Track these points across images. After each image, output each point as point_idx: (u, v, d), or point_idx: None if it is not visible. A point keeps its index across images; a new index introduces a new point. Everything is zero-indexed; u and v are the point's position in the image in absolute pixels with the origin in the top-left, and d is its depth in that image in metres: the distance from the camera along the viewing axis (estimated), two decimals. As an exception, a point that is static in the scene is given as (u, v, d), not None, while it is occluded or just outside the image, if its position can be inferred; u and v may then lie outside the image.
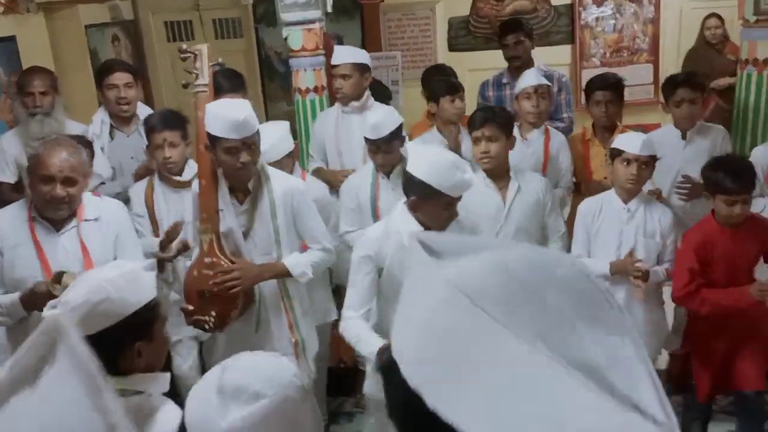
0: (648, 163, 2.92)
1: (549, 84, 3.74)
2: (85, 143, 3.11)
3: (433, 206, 2.39)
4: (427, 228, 2.39)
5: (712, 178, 2.76)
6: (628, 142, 2.93)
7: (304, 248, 2.83)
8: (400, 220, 2.45)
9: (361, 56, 3.70)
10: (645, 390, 0.56)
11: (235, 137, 2.48)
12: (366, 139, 3.12)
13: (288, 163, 3.20)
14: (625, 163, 2.90)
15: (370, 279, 2.50)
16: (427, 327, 0.61)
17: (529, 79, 3.63)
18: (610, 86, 3.61)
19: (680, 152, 3.45)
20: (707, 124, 3.59)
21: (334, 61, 3.66)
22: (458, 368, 0.58)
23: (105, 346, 1.43)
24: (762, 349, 2.87)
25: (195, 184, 2.72)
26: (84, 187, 2.57)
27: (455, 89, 3.66)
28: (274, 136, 3.05)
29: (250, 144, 2.52)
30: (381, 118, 3.09)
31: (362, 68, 3.65)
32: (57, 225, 2.55)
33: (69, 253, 2.53)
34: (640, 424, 0.54)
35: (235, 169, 2.54)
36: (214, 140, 2.51)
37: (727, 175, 2.70)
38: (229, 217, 2.64)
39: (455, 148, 3.48)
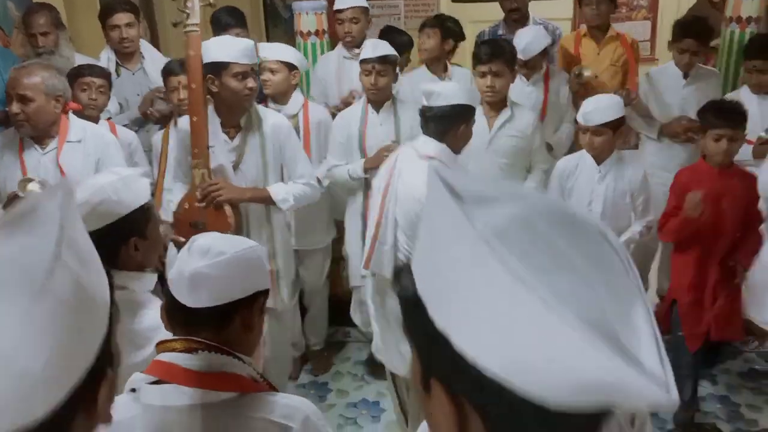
0: (600, 132, 2.98)
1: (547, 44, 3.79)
2: (103, 72, 3.30)
3: (468, 127, 2.70)
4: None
5: (703, 117, 3.00)
6: (581, 112, 3.04)
7: None
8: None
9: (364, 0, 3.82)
10: (647, 348, 0.58)
11: (246, 62, 2.65)
12: (361, 63, 3.24)
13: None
14: (582, 132, 3.06)
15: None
16: (445, 266, 0.63)
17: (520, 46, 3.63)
18: None
19: (680, 91, 3.74)
20: (705, 67, 3.85)
21: (339, 5, 3.76)
22: (466, 301, 0.61)
23: (103, 241, 1.66)
24: (727, 311, 3.06)
25: (183, 121, 2.84)
26: (50, 107, 2.72)
27: (422, 26, 3.84)
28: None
29: (255, 71, 2.71)
30: (377, 41, 3.29)
31: (366, 11, 3.81)
32: (41, 144, 2.77)
33: (48, 171, 2.75)
34: (637, 377, 0.55)
35: (242, 96, 2.69)
36: (220, 68, 2.64)
37: (715, 111, 2.94)
38: (220, 153, 2.79)
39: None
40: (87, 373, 0.71)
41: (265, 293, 1.46)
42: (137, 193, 1.78)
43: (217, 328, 1.36)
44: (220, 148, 2.78)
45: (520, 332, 0.57)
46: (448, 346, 0.61)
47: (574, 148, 3.64)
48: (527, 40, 3.57)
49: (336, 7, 3.79)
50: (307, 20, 4.04)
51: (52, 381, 0.67)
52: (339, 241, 3.68)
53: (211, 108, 2.78)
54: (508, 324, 0.58)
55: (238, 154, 2.82)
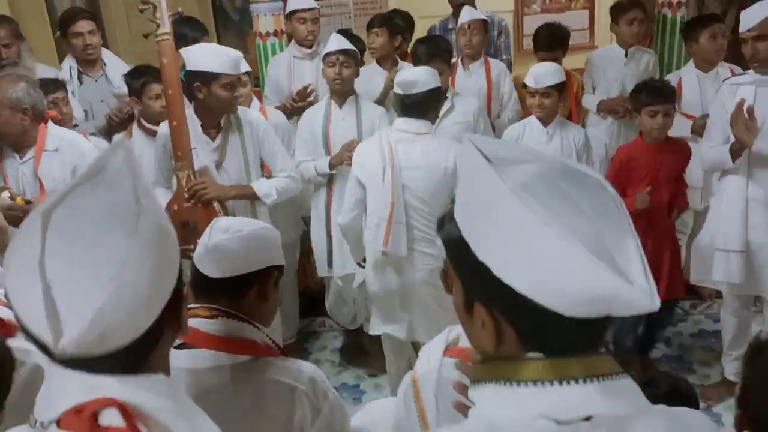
0: (548, 94, 3.29)
1: (484, 18, 4.07)
2: (59, 84, 3.34)
3: (440, 103, 3.09)
4: None
5: (638, 97, 3.22)
6: (529, 76, 3.33)
7: None
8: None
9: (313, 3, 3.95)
10: (636, 269, 0.77)
11: (234, 72, 2.80)
12: (325, 57, 3.39)
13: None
14: (530, 95, 3.34)
15: None
16: (483, 214, 0.81)
17: (463, 16, 4.01)
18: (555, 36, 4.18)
19: (622, 68, 4.11)
20: (642, 48, 4.21)
21: (299, 5, 3.88)
22: (502, 238, 0.79)
23: None
24: (668, 274, 3.31)
25: (163, 126, 2.93)
26: (16, 120, 2.77)
27: (371, 25, 4.01)
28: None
29: (240, 79, 2.87)
30: (339, 36, 3.45)
31: (318, 12, 3.95)
32: (20, 153, 2.84)
33: (27, 180, 2.83)
34: (631, 290, 0.75)
35: (229, 103, 2.83)
36: (210, 77, 2.76)
37: (649, 90, 3.19)
38: (203, 154, 2.91)
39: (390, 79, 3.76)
40: (173, 292, 0.92)
41: (279, 268, 1.61)
42: None
43: (235, 297, 1.51)
44: (202, 148, 2.90)
45: (542, 259, 0.76)
46: (488, 274, 0.80)
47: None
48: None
49: (294, 7, 3.89)
50: (266, 21, 4.16)
51: (153, 298, 0.88)
52: (306, 235, 3.81)
53: (189, 111, 2.87)
54: (534, 254, 0.77)
55: (220, 153, 2.95)
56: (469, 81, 3.94)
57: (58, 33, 3.96)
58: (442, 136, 3.13)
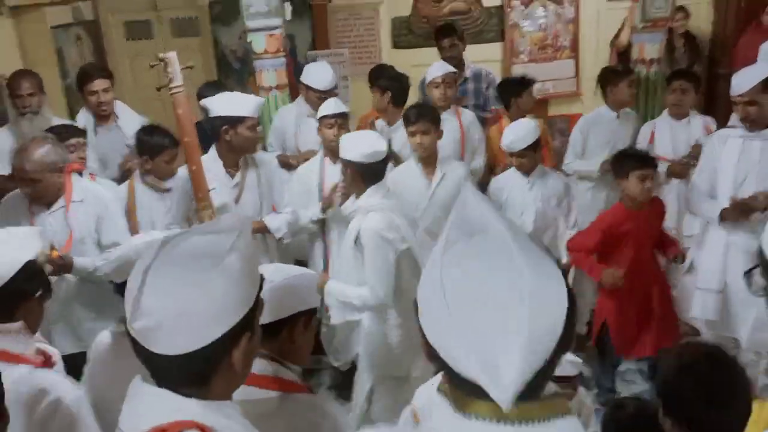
0: (523, 154, 3.56)
1: (454, 71, 4.31)
2: (77, 130, 3.57)
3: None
4: None
5: (625, 162, 3.37)
6: (504, 140, 3.60)
7: None
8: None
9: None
10: (509, 363, 0.87)
11: (257, 115, 3.16)
12: (322, 119, 3.62)
13: None
14: (510, 156, 3.62)
15: None
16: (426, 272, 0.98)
17: (435, 71, 4.22)
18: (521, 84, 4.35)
19: (614, 130, 4.27)
20: (627, 110, 4.39)
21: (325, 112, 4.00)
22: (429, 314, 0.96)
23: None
24: (656, 326, 3.47)
25: (181, 171, 3.17)
26: (54, 180, 2.97)
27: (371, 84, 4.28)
28: None
29: (259, 123, 3.23)
30: (335, 99, 3.72)
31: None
32: (48, 205, 3.04)
33: (54, 227, 3.03)
34: (487, 382, 0.87)
35: (253, 142, 3.18)
36: (238, 121, 3.09)
37: (638, 156, 3.39)
38: (224, 191, 3.19)
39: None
40: (243, 318, 1.14)
41: (306, 312, 1.79)
42: None
43: (268, 340, 1.67)
44: (223, 186, 3.18)
45: (440, 333, 0.94)
46: (423, 332, 0.99)
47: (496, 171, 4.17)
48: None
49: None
50: (268, 76, 4.45)
51: (227, 311, 1.12)
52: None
53: (210, 153, 3.15)
54: (436, 326, 0.95)
55: (239, 190, 3.24)
56: (444, 129, 4.13)
57: (67, 81, 4.20)
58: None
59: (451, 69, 4.28)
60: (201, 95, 3.50)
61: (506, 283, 0.90)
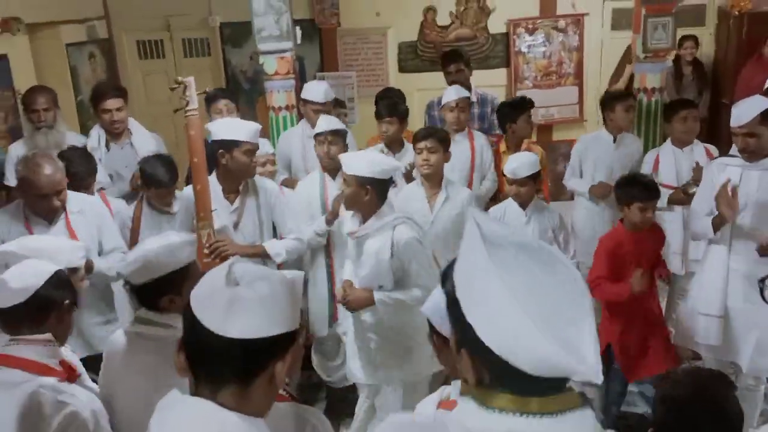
0: (524, 183, 3.59)
1: (468, 96, 4.40)
2: (88, 156, 3.64)
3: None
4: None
5: (629, 192, 3.41)
6: (508, 166, 3.63)
7: None
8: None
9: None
10: (587, 345, 0.96)
11: (254, 141, 3.15)
12: (315, 136, 3.70)
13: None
14: (510, 184, 3.65)
15: None
16: (472, 281, 1.03)
17: (450, 94, 4.31)
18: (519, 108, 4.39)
19: (611, 153, 4.30)
20: (627, 134, 4.44)
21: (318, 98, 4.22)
22: (483, 306, 1.00)
23: (149, 291, 2.07)
24: (661, 347, 3.50)
25: (186, 190, 3.25)
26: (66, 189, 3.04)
27: (379, 115, 4.27)
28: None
29: (257, 149, 3.21)
30: (329, 117, 3.79)
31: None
32: (48, 218, 3.06)
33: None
34: (575, 365, 0.94)
35: (249, 169, 3.17)
36: (233, 145, 3.10)
37: (642, 187, 3.40)
38: (223, 215, 3.21)
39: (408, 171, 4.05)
40: (294, 331, 1.26)
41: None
42: (179, 258, 2.11)
43: None
44: (223, 211, 3.20)
45: (511, 331, 0.98)
46: (472, 330, 1.02)
47: (498, 197, 4.27)
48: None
49: (306, 97, 4.21)
50: (279, 97, 4.54)
51: (286, 317, 1.24)
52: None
53: (213, 177, 3.19)
54: (506, 326, 0.98)
55: (238, 215, 3.25)
56: (456, 151, 4.22)
57: (80, 97, 4.27)
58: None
59: (466, 93, 4.36)
60: (211, 98, 3.54)
61: (568, 279, 1.01)
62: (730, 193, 3.18)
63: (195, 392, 1.24)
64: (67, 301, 2.00)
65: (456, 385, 1.65)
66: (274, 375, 1.24)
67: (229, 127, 3.18)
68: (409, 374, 3.16)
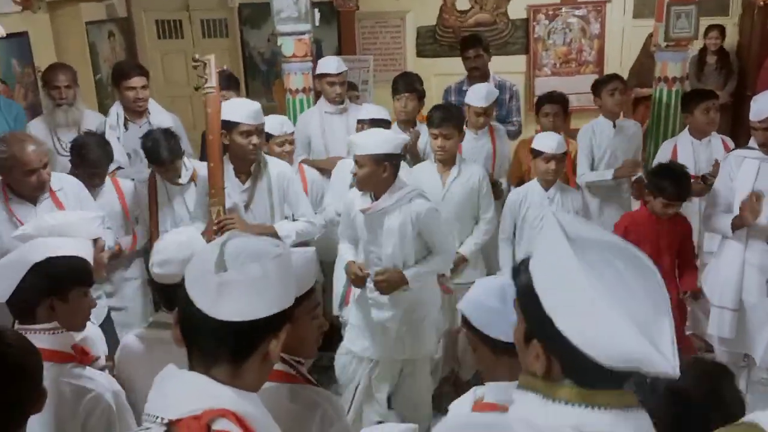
0: (561, 159, 3.58)
1: (496, 98, 4.26)
2: (105, 142, 3.65)
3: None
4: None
5: (659, 183, 3.36)
6: (545, 143, 3.58)
7: None
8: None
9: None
10: (666, 342, 0.99)
11: (252, 122, 3.11)
12: (358, 122, 3.79)
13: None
14: (544, 161, 3.58)
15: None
16: (555, 277, 1.05)
17: (480, 98, 4.08)
18: (556, 101, 4.34)
19: (612, 139, 4.25)
20: (626, 119, 4.41)
21: (330, 70, 4.24)
22: (565, 299, 1.03)
23: (164, 290, 2.07)
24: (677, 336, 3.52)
25: (203, 169, 3.24)
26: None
27: (396, 91, 4.26)
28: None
29: (260, 130, 3.17)
30: (373, 106, 3.89)
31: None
32: (32, 199, 3.07)
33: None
34: (658, 357, 0.97)
35: (247, 151, 3.14)
36: (231, 126, 3.09)
37: (674, 185, 3.32)
38: (234, 194, 3.23)
39: (413, 141, 4.06)
40: (289, 308, 1.27)
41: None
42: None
43: None
44: (233, 189, 3.22)
45: (595, 323, 1.00)
46: (550, 323, 1.04)
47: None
48: (487, 89, 4.09)
49: (322, 71, 4.24)
50: (296, 79, 4.53)
51: (280, 297, 1.24)
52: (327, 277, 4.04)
53: (226, 156, 3.21)
54: (589, 318, 1.01)
55: (249, 195, 3.27)
56: (477, 144, 4.20)
57: (98, 76, 4.26)
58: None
59: (494, 97, 4.18)
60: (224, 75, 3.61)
61: (651, 277, 1.05)
62: (754, 200, 3.16)
63: (190, 367, 1.25)
64: (63, 290, 1.91)
65: (490, 386, 1.65)
66: (269, 352, 1.25)
67: (231, 107, 3.17)
68: (415, 351, 3.21)
